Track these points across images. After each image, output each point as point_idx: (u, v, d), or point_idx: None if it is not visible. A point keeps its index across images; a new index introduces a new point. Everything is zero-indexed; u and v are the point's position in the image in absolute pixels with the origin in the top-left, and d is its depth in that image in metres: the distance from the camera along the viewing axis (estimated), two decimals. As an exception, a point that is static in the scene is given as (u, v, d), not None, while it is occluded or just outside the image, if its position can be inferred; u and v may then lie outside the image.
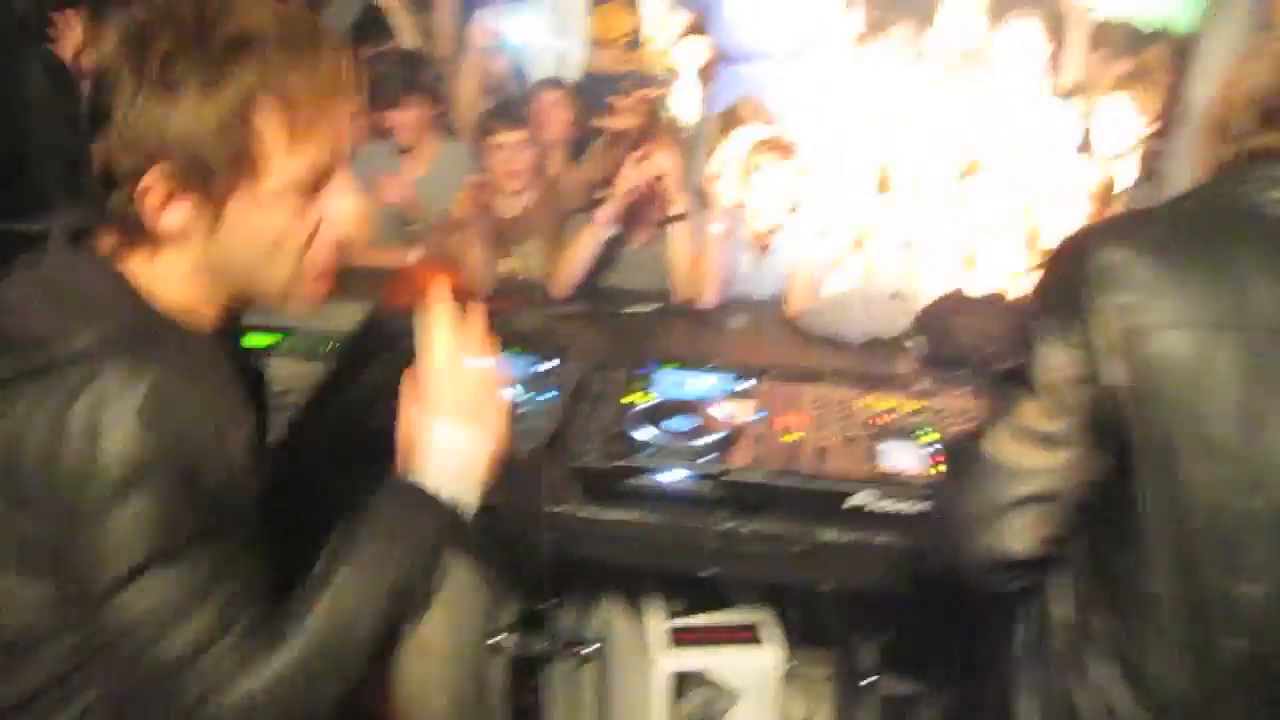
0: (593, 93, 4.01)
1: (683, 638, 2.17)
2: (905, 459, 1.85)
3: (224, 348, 1.24)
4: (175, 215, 1.12)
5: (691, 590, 2.23)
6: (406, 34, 4.17)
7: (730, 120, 3.48)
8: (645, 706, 2.16)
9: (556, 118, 3.72)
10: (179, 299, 1.17)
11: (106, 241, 1.17)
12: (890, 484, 1.77)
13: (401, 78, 3.71)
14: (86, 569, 1.05)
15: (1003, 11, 3.91)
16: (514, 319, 2.64)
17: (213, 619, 1.07)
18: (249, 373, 1.35)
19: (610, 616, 2.32)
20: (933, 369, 2.45)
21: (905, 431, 1.93)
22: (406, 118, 3.66)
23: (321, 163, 1.16)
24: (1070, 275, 1.22)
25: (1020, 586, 1.35)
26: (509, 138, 3.31)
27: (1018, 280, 2.97)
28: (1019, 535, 1.27)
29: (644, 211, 3.09)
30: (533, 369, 2.18)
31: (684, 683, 2.16)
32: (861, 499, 1.76)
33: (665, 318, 2.90)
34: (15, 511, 1.06)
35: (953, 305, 2.66)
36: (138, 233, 1.14)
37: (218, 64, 1.08)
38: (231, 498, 1.11)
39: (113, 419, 1.03)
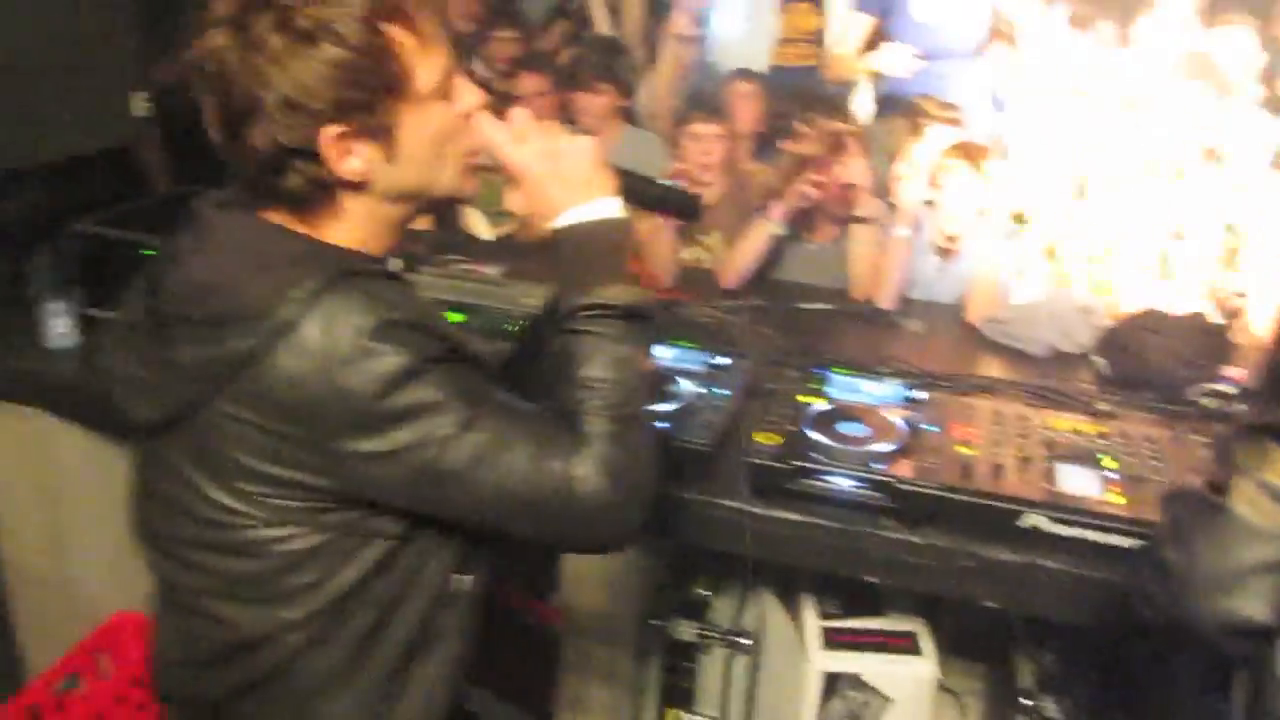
0: (779, 85, 4.01)
1: (838, 639, 2.18)
2: (1084, 483, 1.80)
3: None
4: (356, 161, 1.19)
5: (844, 592, 2.24)
6: (601, 20, 4.24)
7: (914, 119, 3.42)
8: (795, 703, 2.18)
9: (747, 110, 3.72)
10: (363, 242, 1.25)
11: (271, 214, 1.23)
12: (1067, 508, 1.73)
13: (598, 62, 3.79)
14: (413, 457, 1.16)
15: (1215, 16, 3.73)
16: (691, 311, 2.68)
17: (527, 433, 1.20)
18: None
19: (766, 610, 2.35)
20: (1119, 389, 2.37)
21: (1086, 455, 1.88)
22: (595, 103, 3.73)
23: (449, 60, 1.23)
24: None
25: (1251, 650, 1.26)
26: (706, 129, 3.33)
27: (1216, 297, 2.84)
28: (1261, 602, 1.18)
29: (828, 209, 3.08)
30: (708, 363, 2.21)
31: (833, 684, 2.17)
32: (1036, 520, 1.73)
33: (842, 316, 2.88)
34: (288, 461, 1.16)
35: (1146, 323, 2.55)
36: (315, 199, 1.21)
37: (333, 4, 1.13)
38: (480, 359, 1.26)
39: (369, 336, 1.13)
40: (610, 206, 1.31)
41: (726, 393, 2.10)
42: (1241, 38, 3.53)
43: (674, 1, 3.97)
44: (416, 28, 1.19)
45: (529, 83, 3.86)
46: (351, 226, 1.24)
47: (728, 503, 1.85)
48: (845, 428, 1.90)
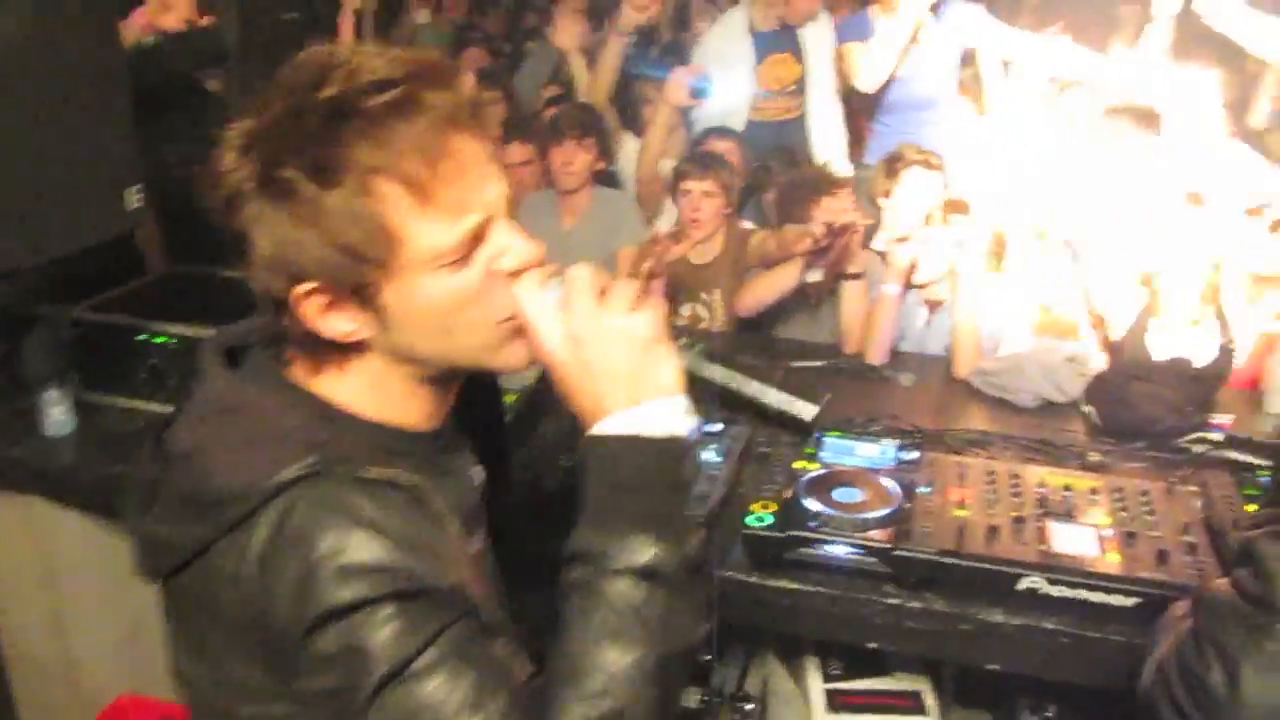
0: (756, 141, 4.07)
1: (843, 700, 2.19)
2: (1078, 542, 1.81)
3: (443, 436, 1.19)
4: (339, 323, 1.05)
5: (848, 653, 2.24)
6: (582, 89, 4.30)
7: (894, 166, 3.46)
8: (802, 766, 2.18)
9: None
10: (384, 404, 1.11)
11: (294, 359, 1.12)
12: (1063, 569, 1.74)
13: (579, 120, 3.83)
14: (339, 692, 0.98)
15: (1183, 58, 3.80)
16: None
17: (474, 707, 0.96)
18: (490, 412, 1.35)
19: (769, 674, 2.35)
20: (1110, 439, 2.39)
21: (1079, 512, 1.90)
22: (580, 158, 3.76)
23: (467, 216, 1.02)
24: None
25: None
26: (697, 185, 3.39)
27: (1197, 339, 2.86)
28: None
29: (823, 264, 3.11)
30: (703, 428, 2.22)
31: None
32: (1033, 583, 1.74)
33: (833, 372, 2.90)
34: (236, 654, 1.04)
35: (1132, 370, 2.58)
36: (319, 349, 1.09)
37: (320, 150, 0.98)
38: (461, 590, 1.03)
39: (313, 560, 0.97)
40: (667, 415, 1.05)
41: (720, 459, 2.12)
42: (1209, 81, 3.60)
43: (672, 74, 4.01)
44: (424, 188, 0.99)
45: (515, 152, 3.94)
46: (365, 385, 1.10)
47: (725, 574, 1.86)
48: (840, 494, 1.91)
